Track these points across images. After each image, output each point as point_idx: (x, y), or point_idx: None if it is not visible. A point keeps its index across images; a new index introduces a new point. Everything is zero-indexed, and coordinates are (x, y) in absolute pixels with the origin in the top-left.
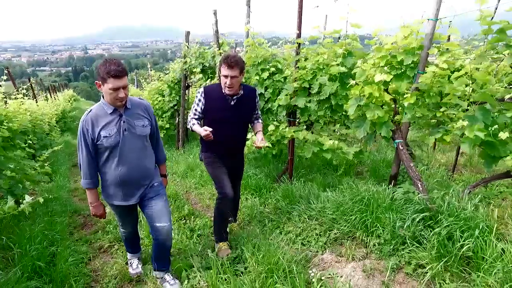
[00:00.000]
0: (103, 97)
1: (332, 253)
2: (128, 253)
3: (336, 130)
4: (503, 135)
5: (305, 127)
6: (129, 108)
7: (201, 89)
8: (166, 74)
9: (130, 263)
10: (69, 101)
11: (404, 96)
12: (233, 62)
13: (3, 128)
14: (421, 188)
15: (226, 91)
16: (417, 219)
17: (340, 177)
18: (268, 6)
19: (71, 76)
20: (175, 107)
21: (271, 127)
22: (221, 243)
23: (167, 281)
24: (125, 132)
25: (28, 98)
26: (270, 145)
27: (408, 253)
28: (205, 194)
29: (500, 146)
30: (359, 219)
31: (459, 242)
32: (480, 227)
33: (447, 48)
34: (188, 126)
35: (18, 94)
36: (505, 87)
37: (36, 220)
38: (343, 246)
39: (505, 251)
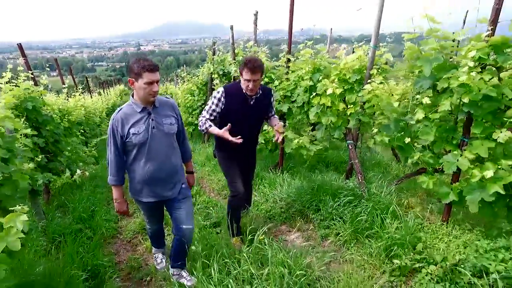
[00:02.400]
0: (133, 96)
1: (287, 225)
2: (153, 247)
3: (308, 131)
4: (407, 140)
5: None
6: (157, 107)
7: (221, 89)
8: (197, 76)
9: (155, 257)
10: (119, 95)
11: (349, 107)
12: (256, 67)
13: (64, 120)
14: (360, 180)
15: (248, 92)
16: (344, 201)
17: (327, 171)
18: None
19: (125, 70)
20: (203, 106)
21: (266, 127)
22: (234, 238)
23: (184, 277)
24: (153, 129)
25: (84, 96)
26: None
27: (334, 226)
28: (214, 180)
29: (407, 149)
30: (308, 201)
31: (360, 217)
32: (371, 206)
33: (384, 69)
34: (202, 128)
35: (77, 91)
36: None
37: (84, 189)
38: (296, 221)
39: (391, 225)
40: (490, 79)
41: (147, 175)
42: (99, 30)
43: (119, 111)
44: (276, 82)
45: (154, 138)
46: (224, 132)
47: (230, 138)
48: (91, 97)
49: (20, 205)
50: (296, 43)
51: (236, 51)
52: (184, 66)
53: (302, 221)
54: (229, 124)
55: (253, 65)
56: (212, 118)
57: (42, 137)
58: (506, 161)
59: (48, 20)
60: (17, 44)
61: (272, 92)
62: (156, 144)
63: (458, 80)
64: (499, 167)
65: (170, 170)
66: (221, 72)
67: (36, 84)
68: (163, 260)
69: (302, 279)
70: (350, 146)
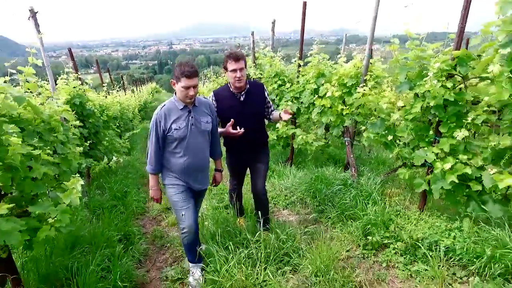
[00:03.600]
0: (175, 94)
1: (288, 210)
2: (189, 262)
3: (314, 129)
4: (389, 137)
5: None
6: (196, 106)
7: (211, 94)
8: (222, 76)
9: (192, 273)
10: (151, 93)
11: (345, 108)
12: (239, 55)
13: (103, 115)
14: (353, 173)
15: (236, 84)
16: (336, 189)
17: (335, 166)
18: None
19: (157, 68)
20: None
21: (278, 125)
22: (239, 218)
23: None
24: (192, 126)
25: (119, 93)
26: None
27: (326, 210)
28: None
29: (390, 145)
30: (306, 189)
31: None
32: (354, 193)
33: (376, 75)
34: None
35: (114, 89)
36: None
37: (118, 174)
38: (295, 206)
39: (371, 209)
40: (454, 86)
41: (184, 165)
42: (134, 30)
43: (162, 107)
44: (288, 85)
45: (192, 134)
46: (226, 129)
47: (233, 131)
48: (125, 94)
49: (75, 176)
50: (325, 43)
51: (256, 55)
52: (211, 66)
53: (301, 206)
54: (231, 119)
55: (236, 55)
56: None
57: (85, 128)
58: (463, 156)
59: (88, 21)
60: (68, 48)
61: (264, 87)
62: (194, 139)
63: (425, 87)
64: (458, 160)
65: (204, 163)
66: None
67: (82, 83)
68: (201, 279)
69: (287, 245)
70: (347, 143)
